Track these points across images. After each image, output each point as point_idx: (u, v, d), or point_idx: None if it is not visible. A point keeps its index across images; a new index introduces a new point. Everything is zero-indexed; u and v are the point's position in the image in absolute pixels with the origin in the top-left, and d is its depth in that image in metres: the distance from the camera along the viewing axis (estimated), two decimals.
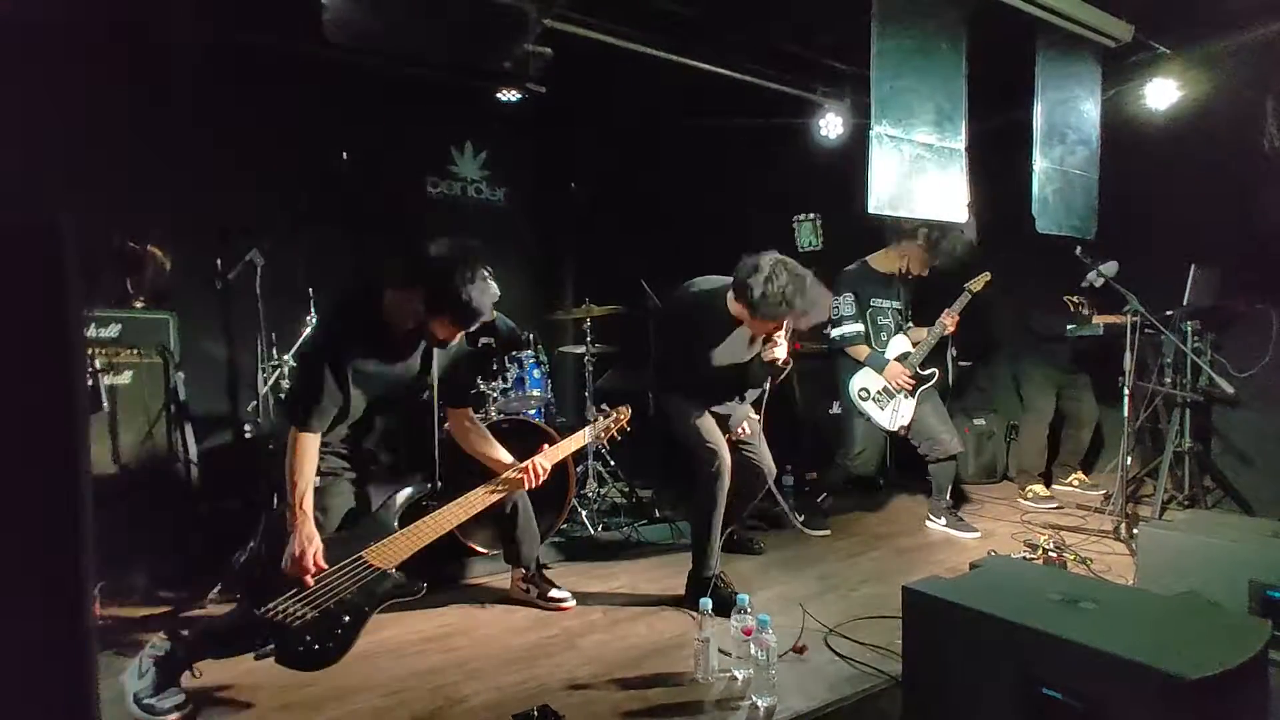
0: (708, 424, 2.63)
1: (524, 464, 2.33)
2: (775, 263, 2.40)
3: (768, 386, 2.58)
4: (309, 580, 1.93)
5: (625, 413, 2.58)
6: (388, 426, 2.30)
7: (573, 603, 2.58)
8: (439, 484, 2.27)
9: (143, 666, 1.85)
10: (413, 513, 2.18)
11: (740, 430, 2.79)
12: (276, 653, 1.88)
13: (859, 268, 3.54)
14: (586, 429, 2.54)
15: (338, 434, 2.23)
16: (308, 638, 1.88)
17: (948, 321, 3.39)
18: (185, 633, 1.92)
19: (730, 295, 2.53)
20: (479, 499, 2.26)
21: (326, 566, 1.96)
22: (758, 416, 2.85)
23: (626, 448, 4.12)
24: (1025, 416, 4.15)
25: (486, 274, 2.16)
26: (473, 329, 2.22)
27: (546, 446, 2.42)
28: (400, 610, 2.54)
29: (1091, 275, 3.35)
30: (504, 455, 2.39)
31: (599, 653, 2.21)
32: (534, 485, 2.34)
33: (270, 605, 1.88)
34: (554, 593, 2.58)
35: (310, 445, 2.07)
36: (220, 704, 1.91)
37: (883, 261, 3.55)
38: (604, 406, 2.60)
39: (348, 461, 2.26)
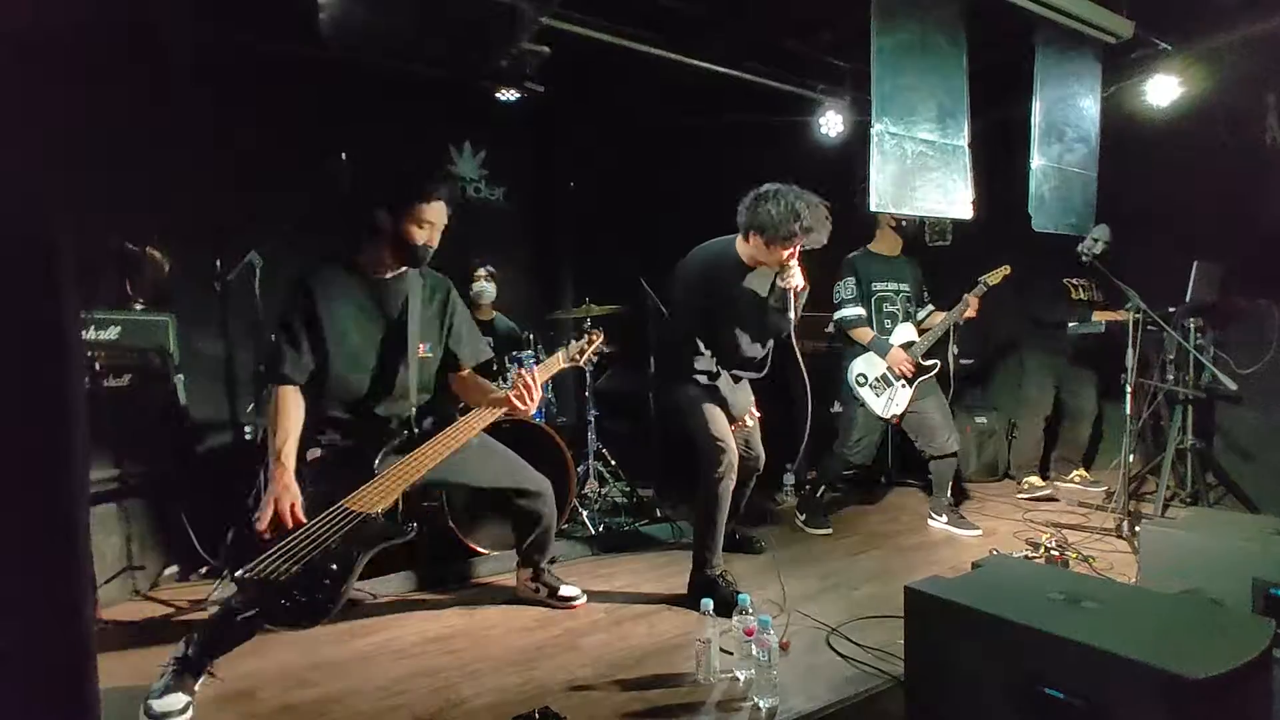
0: (718, 420, 2.62)
1: (511, 386, 2.23)
2: (772, 188, 2.50)
3: (793, 318, 2.53)
4: (282, 532, 1.86)
5: (598, 334, 2.60)
6: (376, 377, 2.23)
7: (583, 600, 2.57)
8: (415, 430, 2.24)
9: (164, 669, 1.85)
10: (393, 458, 2.13)
11: (744, 421, 2.78)
12: (263, 614, 1.79)
13: (860, 253, 3.56)
14: (560, 351, 2.54)
15: (336, 400, 2.19)
16: (294, 592, 1.79)
17: (971, 300, 3.36)
18: (194, 636, 1.89)
19: (739, 238, 2.61)
20: (463, 431, 2.19)
21: (305, 520, 1.90)
22: (756, 414, 2.84)
23: (627, 447, 4.15)
24: (1021, 409, 4.16)
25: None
26: (431, 198, 2.14)
27: (533, 372, 2.30)
28: (402, 611, 2.55)
29: (1085, 244, 3.33)
30: (494, 389, 2.36)
31: (600, 653, 2.21)
32: (525, 405, 2.22)
33: (250, 565, 1.79)
34: (564, 590, 2.57)
35: (288, 396, 2.08)
36: (221, 706, 1.91)
37: (882, 244, 3.56)
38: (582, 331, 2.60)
39: (350, 431, 2.22)
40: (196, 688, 1.87)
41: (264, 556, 1.81)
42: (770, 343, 2.78)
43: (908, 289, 3.54)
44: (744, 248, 2.62)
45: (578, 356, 2.55)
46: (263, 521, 1.87)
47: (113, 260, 3.12)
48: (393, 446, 2.17)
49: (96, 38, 3.26)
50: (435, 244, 2.22)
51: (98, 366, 2.70)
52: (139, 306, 3.10)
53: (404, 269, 2.28)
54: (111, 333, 2.83)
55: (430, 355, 2.31)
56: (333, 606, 1.81)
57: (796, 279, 2.51)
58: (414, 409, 2.27)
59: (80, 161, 3.20)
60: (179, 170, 3.52)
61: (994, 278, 3.40)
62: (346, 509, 1.94)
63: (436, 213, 2.18)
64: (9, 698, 0.68)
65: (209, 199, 3.51)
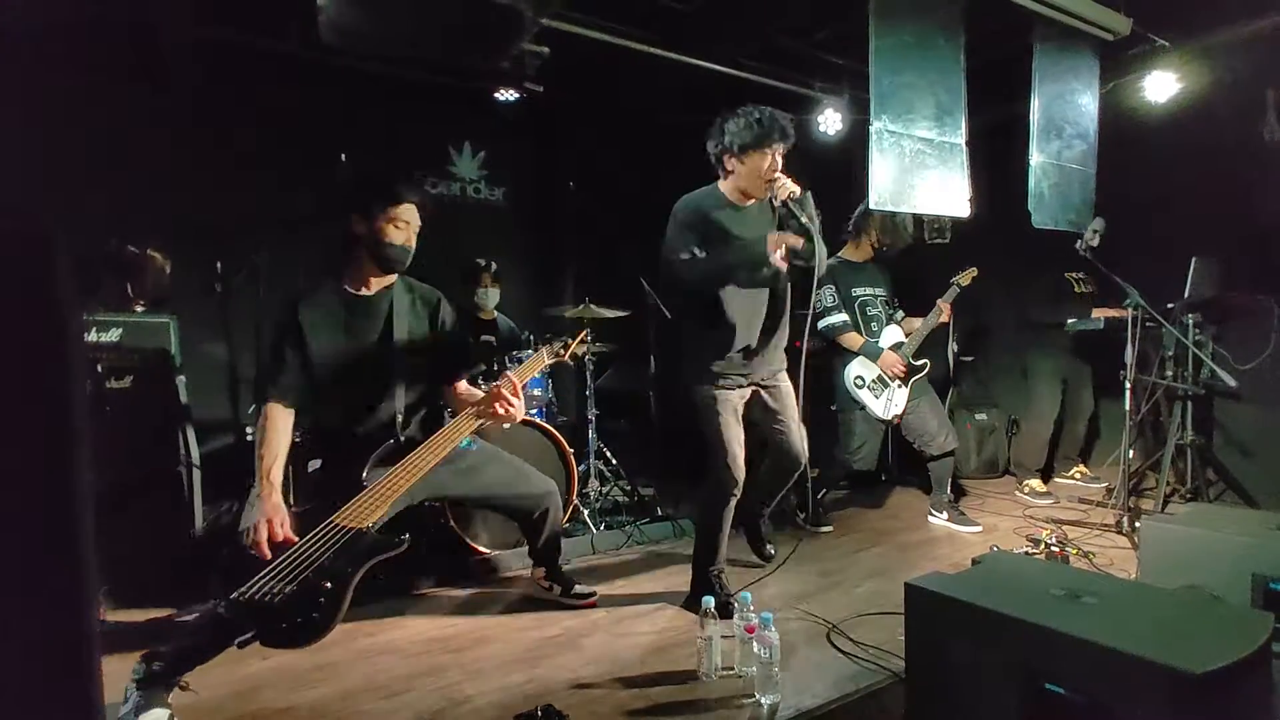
0: (732, 430, 2.51)
1: (489, 390, 2.22)
2: (733, 110, 2.43)
3: (812, 227, 2.33)
4: (272, 551, 1.84)
5: (580, 332, 2.65)
6: (362, 394, 2.24)
7: (596, 598, 2.58)
8: (401, 439, 2.24)
9: (128, 693, 1.77)
10: (379, 472, 2.11)
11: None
12: (260, 636, 1.74)
13: (835, 261, 3.56)
14: (544, 349, 2.57)
15: (328, 416, 2.22)
16: (290, 613, 1.75)
17: (943, 307, 3.42)
18: (164, 649, 1.81)
19: (719, 178, 2.54)
20: (447, 439, 2.18)
21: (295, 539, 1.88)
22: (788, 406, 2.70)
23: (627, 446, 4.15)
24: (1029, 411, 4.15)
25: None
26: (401, 200, 2.18)
27: (510, 377, 2.27)
28: (403, 611, 2.56)
29: (1085, 237, 3.34)
30: (478, 394, 2.37)
31: (602, 652, 2.21)
32: (506, 411, 2.20)
33: (244, 587, 1.76)
34: (578, 588, 2.59)
35: (277, 416, 2.09)
36: (222, 707, 1.91)
37: (853, 251, 3.59)
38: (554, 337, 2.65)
39: (341, 446, 2.22)
40: (170, 699, 1.79)
41: (257, 578, 1.78)
42: (777, 335, 2.60)
43: (884, 293, 3.58)
44: (727, 185, 2.50)
45: (562, 352, 2.58)
46: (251, 542, 1.86)
47: (113, 262, 3.12)
48: (379, 458, 2.16)
49: (96, 37, 3.27)
50: (413, 244, 2.23)
51: (100, 368, 2.70)
52: (140, 308, 3.10)
53: (389, 283, 2.29)
54: (113, 335, 2.84)
55: (421, 366, 2.32)
56: (330, 625, 1.77)
57: (789, 186, 2.37)
58: (400, 420, 2.27)
59: (80, 161, 3.21)
60: (179, 170, 3.52)
61: (965, 278, 3.43)
62: (337, 524, 1.92)
63: (409, 213, 2.21)
64: (12, 698, 0.69)
65: (209, 199, 3.51)
